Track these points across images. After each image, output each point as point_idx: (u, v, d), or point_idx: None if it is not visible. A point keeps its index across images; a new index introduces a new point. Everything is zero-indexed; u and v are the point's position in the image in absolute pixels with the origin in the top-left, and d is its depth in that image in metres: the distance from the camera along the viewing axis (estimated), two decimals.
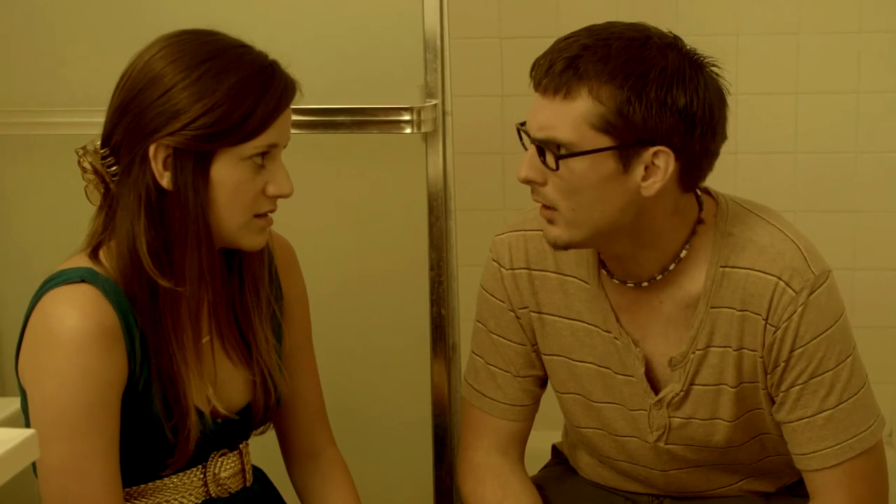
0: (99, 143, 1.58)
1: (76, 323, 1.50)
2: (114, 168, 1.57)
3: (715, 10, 2.88)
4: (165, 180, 1.54)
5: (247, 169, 1.55)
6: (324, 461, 1.84)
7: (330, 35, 2.16)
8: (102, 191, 1.59)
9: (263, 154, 1.56)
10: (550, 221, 1.63)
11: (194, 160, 1.53)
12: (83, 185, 1.60)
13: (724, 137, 1.62)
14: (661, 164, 1.56)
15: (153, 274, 1.54)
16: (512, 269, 1.78)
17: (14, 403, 2.07)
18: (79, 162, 1.58)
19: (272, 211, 1.61)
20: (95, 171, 1.58)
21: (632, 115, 1.53)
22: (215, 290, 1.60)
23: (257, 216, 1.59)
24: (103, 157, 1.57)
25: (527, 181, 1.62)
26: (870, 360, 1.74)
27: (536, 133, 1.59)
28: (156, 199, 1.54)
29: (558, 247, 1.65)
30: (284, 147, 1.60)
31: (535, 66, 1.59)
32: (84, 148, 1.59)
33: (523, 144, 1.63)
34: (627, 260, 1.68)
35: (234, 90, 1.52)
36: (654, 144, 1.55)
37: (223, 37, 1.58)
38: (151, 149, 1.53)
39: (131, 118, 1.54)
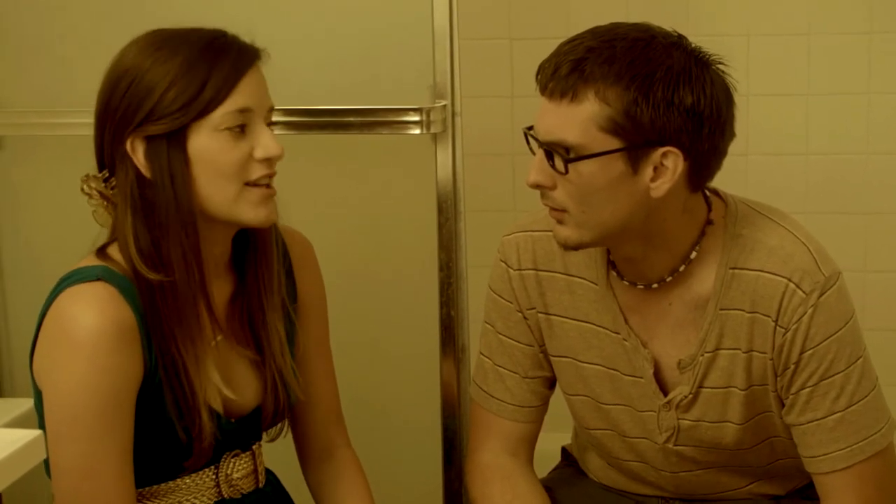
0: (97, 168, 1.60)
1: (93, 322, 1.50)
2: (113, 183, 1.58)
3: (725, 11, 2.87)
4: (147, 171, 1.55)
5: (224, 138, 1.55)
6: (338, 461, 1.85)
7: (339, 36, 2.16)
8: (112, 211, 1.60)
9: (240, 122, 1.56)
10: (560, 222, 1.63)
11: (168, 143, 1.54)
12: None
13: (732, 135, 1.62)
14: (669, 165, 1.56)
15: (141, 268, 1.54)
16: (519, 269, 1.77)
17: (22, 404, 2.07)
18: (82, 189, 1.60)
19: (267, 177, 1.60)
20: (101, 195, 1.59)
21: (639, 115, 1.53)
22: (203, 275, 1.58)
23: (249, 184, 1.58)
24: (105, 180, 1.59)
25: (536, 186, 1.61)
26: (880, 363, 1.73)
27: (544, 137, 1.58)
28: (139, 193, 1.55)
29: (568, 247, 1.64)
30: (267, 112, 1.60)
31: (541, 69, 1.58)
32: (86, 177, 1.60)
33: (531, 149, 1.62)
34: (638, 261, 1.67)
35: (185, 65, 1.54)
36: (662, 145, 1.54)
37: (183, 27, 1.60)
38: (128, 144, 1.55)
39: (110, 120, 1.56)
